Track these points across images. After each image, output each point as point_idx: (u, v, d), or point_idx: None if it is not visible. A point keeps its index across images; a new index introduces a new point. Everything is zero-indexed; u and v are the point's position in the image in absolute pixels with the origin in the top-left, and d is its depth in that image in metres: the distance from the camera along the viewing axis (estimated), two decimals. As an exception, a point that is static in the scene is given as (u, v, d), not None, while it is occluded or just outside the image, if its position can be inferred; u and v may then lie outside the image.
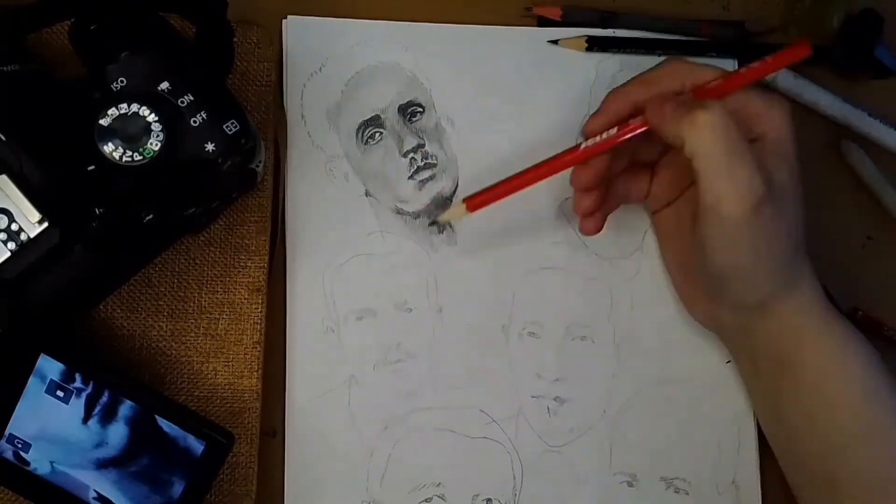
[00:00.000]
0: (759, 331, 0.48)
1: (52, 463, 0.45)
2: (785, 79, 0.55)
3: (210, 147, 0.41)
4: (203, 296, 0.49)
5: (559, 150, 0.53)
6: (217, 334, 0.49)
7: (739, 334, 0.50)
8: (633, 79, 0.48)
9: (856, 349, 0.46)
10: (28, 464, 0.45)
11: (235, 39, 0.50)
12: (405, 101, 0.53)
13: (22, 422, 0.45)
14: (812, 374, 0.46)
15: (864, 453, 0.46)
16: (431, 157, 0.53)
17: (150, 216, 0.41)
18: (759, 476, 0.52)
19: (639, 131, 0.46)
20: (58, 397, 0.45)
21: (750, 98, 0.45)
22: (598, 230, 0.50)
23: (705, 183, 0.43)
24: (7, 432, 0.45)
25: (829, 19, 0.56)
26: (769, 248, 0.45)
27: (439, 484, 0.51)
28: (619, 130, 0.47)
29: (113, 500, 0.45)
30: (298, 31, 0.53)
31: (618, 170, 0.50)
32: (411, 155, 0.53)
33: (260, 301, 0.50)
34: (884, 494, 0.45)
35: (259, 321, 0.49)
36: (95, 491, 0.45)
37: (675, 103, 0.44)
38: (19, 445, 0.45)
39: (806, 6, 0.56)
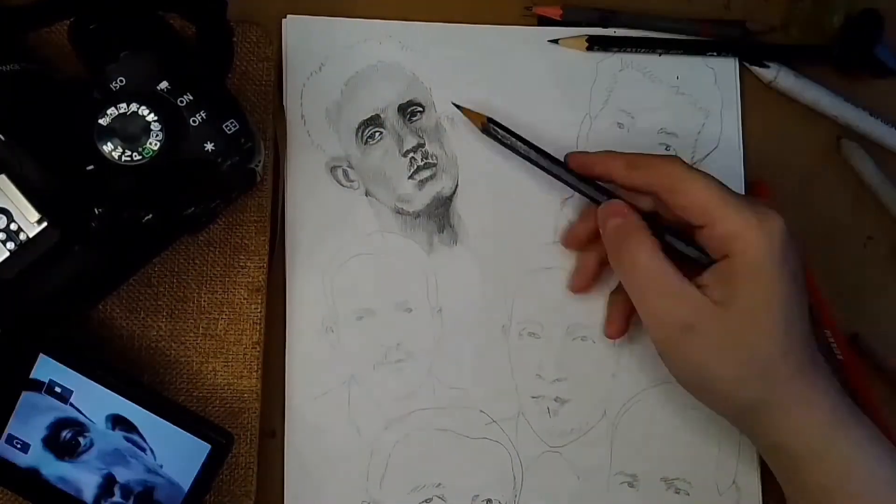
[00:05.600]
0: (760, 442, 0.49)
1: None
2: (785, 78, 0.55)
3: (209, 147, 0.41)
4: (202, 296, 0.49)
5: (559, 150, 0.53)
6: (216, 334, 0.49)
7: (750, 439, 0.50)
8: (628, 154, 0.49)
9: (862, 465, 0.45)
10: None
11: (235, 39, 0.50)
12: (405, 100, 0.53)
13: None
14: (820, 497, 0.46)
15: None
16: (431, 156, 0.53)
17: (150, 216, 0.41)
18: (759, 477, 0.52)
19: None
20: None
21: (726, 217, 0.45)
22: (620, 334, 0.52)
23: (637, 309, 0.48)
24: (6, 433, 0.45)
25: (829, 19, 0.56)
26: (719, 364, 0.46)
27: (439, 484, 0.51)
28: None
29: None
30: (298, 31, 0.53)
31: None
32: (411, 154, 0.53)
33: (259, 301, 0.50)
34: None
35: (258, 321, 0.49)
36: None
37: (616, 224, 0.48)
38: (18, 446, 0.45)
39: (806, 6, 0.56)
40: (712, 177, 0.47)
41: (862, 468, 0.45)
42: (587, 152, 0.51)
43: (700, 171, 0.47)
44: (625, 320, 0.52)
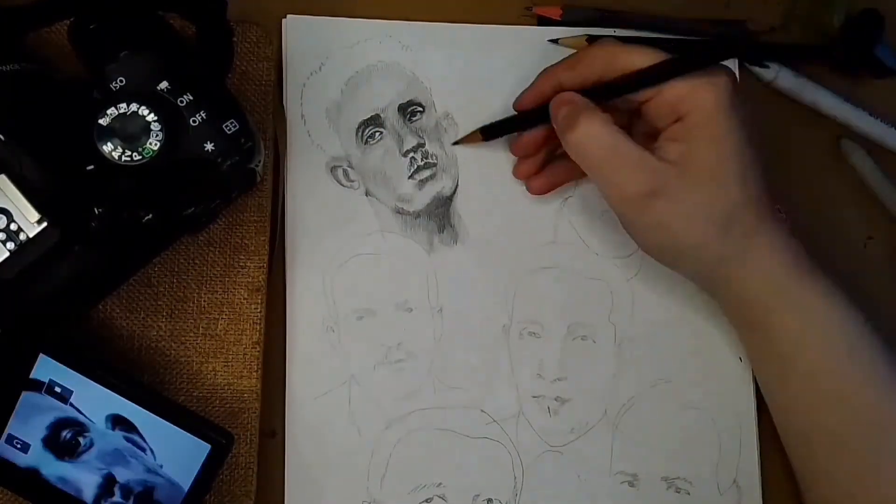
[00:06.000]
0: (727, 298, 0.49)
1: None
2: (785, 78, 0.55)
3: (209, 146, 0.41)
4: (202, 296, 0.49)
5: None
6: (216, 334, 0.49)
7: (716, 298, 0.51)
8: (562, 59, 0.50)
9: (829, 312, 0.47)
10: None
11: (235, 39, 0.50)
12: (405, 100, 0.53)
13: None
14: (787, 345, 0.47)
15: (842, 416, 0.47)
16: (431, 156, 0.53)
17: (150, 216, 0.41)
18: (760, 476, 0.52)
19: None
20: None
21: (670, 84, 0.46)
22: (543, 191, 0.52)
23: (596, 185, 0.49)
24: (6, 433, 0.45)
25: (829, 19, 0.56)
26: (685, 224, 0.46)
27: (440, 484, 0.51)
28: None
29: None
30: (298, 31, 0.53)
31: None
32: (411, 154, 0.53)
33: (259, 301, 0.49)
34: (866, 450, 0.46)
35: (258, 321, 0.49)
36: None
37: (566, 111, 0.47)
38: (18, 446, 0.45)
39: (806, 5, 0.56)
40: (650, 47, 0.47)
41: (832, 311, 0.47)
42: (526, 89, 0.51)
43: (636, 44, 0.48)
44: (553, 183, 0.53)
